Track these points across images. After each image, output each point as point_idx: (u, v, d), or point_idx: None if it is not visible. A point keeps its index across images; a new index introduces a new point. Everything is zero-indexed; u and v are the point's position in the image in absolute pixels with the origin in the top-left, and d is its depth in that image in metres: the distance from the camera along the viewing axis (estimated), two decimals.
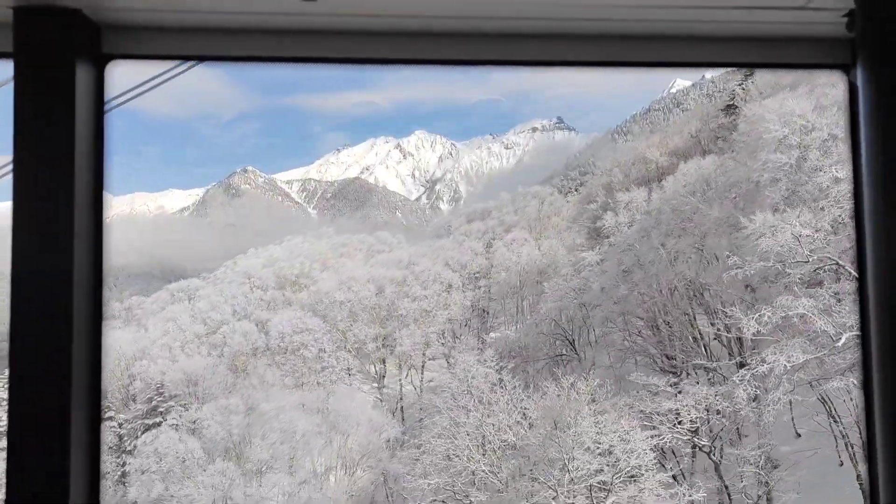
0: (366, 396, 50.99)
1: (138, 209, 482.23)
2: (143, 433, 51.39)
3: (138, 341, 66.46)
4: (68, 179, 1.75)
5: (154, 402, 52.52)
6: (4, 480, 1.69)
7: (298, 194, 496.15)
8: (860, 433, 23.85)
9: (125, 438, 51.32)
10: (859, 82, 1.87)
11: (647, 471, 25.60)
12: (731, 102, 55.19)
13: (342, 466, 40.35)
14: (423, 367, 62.88)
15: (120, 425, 53.11)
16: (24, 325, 1.73)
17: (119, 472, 50.42)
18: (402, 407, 57.49)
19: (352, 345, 64.97)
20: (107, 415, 54.43)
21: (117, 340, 66.21)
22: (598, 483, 25.92)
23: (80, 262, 1.77)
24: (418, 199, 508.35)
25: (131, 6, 1.87)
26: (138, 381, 60.18)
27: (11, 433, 1.71)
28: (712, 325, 34.99)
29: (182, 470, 40.82)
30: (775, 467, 27.27)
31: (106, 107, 1.89)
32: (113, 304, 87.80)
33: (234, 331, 65.54)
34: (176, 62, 1.98)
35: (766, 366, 23.96)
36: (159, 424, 50.94)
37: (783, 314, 24.56)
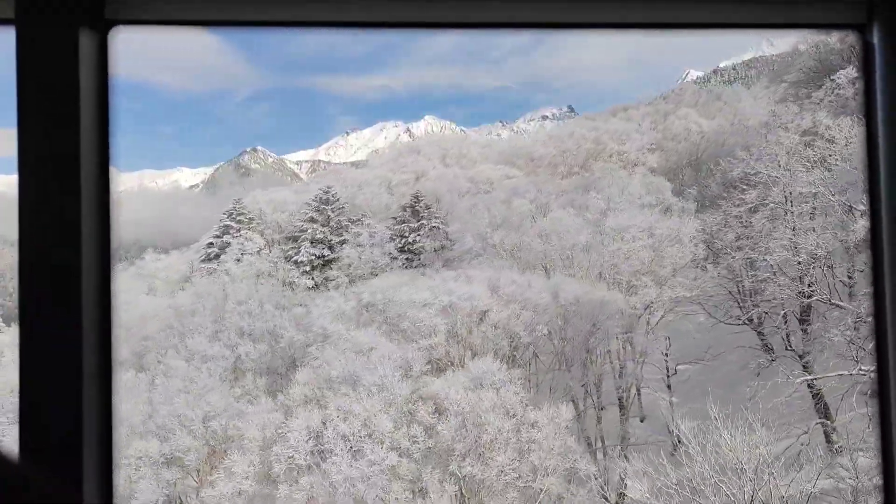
0: None
1: (147, 185, 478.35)
2: (410, 234, 53.28)
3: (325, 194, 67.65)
4: (73, 147, 1.72)
5: (414, 208, 54.20)
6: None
7: (307, 175, 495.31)
8: None
9: (395, 238, 53.03)
10: (875, 42, 1.85)
11: None
12: None
13: None
14: None
15: (371, 235, 54.71)
16: (34, 304, 1.69)
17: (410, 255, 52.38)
18: None
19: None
20: (365, 221, 56.04)
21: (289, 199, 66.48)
22: None
23: (88, 233, 1.73)
24: None
25: None
26: (364, 208, 61.97)
27: (23, 431, 1.68)
28: None
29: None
30: None
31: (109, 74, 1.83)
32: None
33: (437, 177, 67.26)
34: (181, 27, 1.92)
35: None
36: (425, 225, 52.85)
37: None
